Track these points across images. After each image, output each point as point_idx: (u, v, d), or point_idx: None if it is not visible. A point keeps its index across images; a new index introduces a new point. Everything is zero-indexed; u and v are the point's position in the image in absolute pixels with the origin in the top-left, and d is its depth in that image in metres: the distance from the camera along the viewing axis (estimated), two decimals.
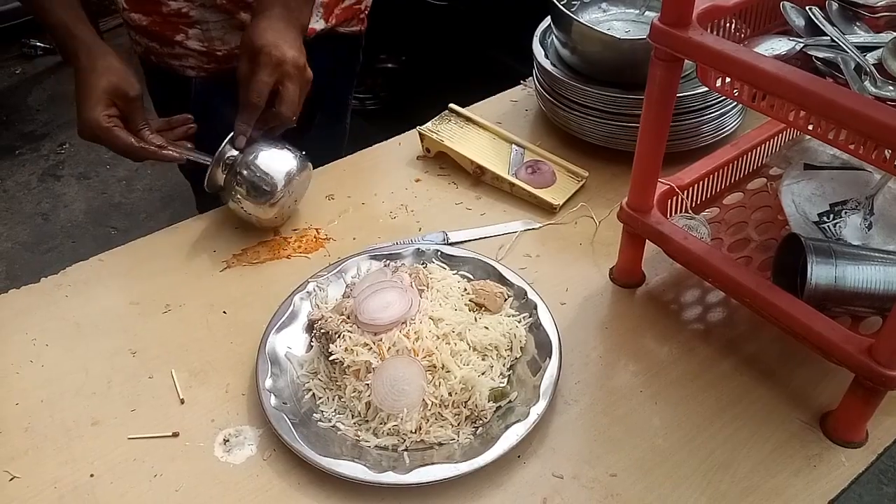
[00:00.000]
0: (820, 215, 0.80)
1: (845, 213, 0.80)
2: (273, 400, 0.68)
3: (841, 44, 0.65)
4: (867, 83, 0.61)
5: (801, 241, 0.69)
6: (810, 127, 0.58)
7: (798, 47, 0.66)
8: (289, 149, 0.87)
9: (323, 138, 1.15)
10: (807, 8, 0.69)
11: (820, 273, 0.66)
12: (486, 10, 1.05)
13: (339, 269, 0.82)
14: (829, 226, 0.79)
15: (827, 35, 0.67)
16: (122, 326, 0.80)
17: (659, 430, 0.69)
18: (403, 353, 0.69)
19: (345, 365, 0.69)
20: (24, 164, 2.70)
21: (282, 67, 0.82)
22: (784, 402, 0.70)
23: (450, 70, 1.61)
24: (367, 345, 0.70)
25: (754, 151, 0.87)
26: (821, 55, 0.65)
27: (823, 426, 0.68)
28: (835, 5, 0.70)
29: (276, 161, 0.85)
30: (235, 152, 0.84)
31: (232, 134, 0.84)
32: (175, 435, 0.69)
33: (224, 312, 0.81)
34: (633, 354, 0.76)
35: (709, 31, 0.64)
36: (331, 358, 0.70)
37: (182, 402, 0.72)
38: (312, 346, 0.74)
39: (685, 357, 0.75)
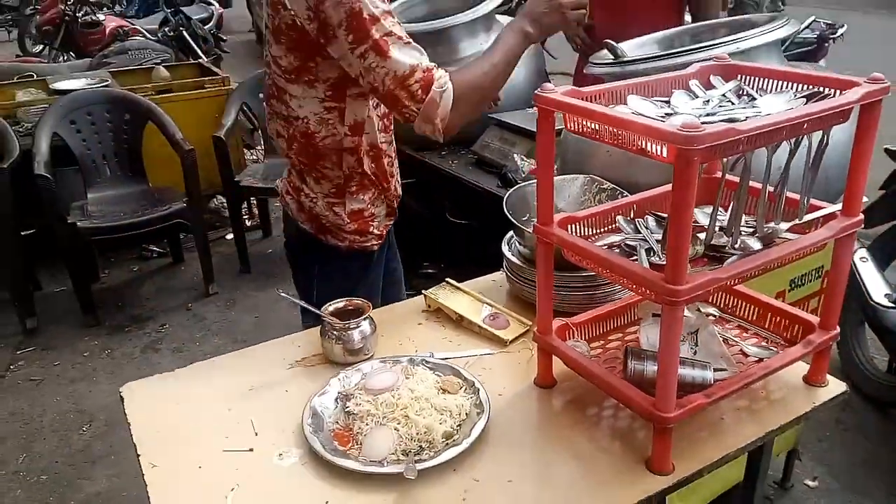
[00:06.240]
0: None
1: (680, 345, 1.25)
2: (309, 430, 1.14)
3: (648, 240, 1.17)
4: (652, 257, 1.11)
5: (626, 350, 1.15)
6: (623, 283, 1.07)
7: (624, 239, 1.18)
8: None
9: None
10: (636, 220, 1.22)
11: (634, 366, 1.12)
12: (476, 227, 1.66)
13: (357, 367, 1.30)
14: None
15: (640, 233, 1.19)
16: (242, 403, 1.28)
17: (547, 452, 1.10)
18: (389, 408, 1.15)
19: (355, 413, 1.16)
20: (131, 339, 3.33)
21: None
22: (631, 450, 1.12)
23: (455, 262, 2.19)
24: (369, 401, 1.17)
25: (630, 308, 1.35)
26: (632, 243, 1.16)
27: (648, 465, 1.09)
28: (651, 219, 1.23)
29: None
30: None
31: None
32: (250, 450, 1.15)
33: (286, 391, 1.30)
34: (535, 421, 1.19)
35: (568, 230, 1.17)
36: (347, 408, 1.17)
37: (256, 434, 1.19)
38: (337, 405, 1.21)
39: (565, 412, 1.18)
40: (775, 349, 1.25)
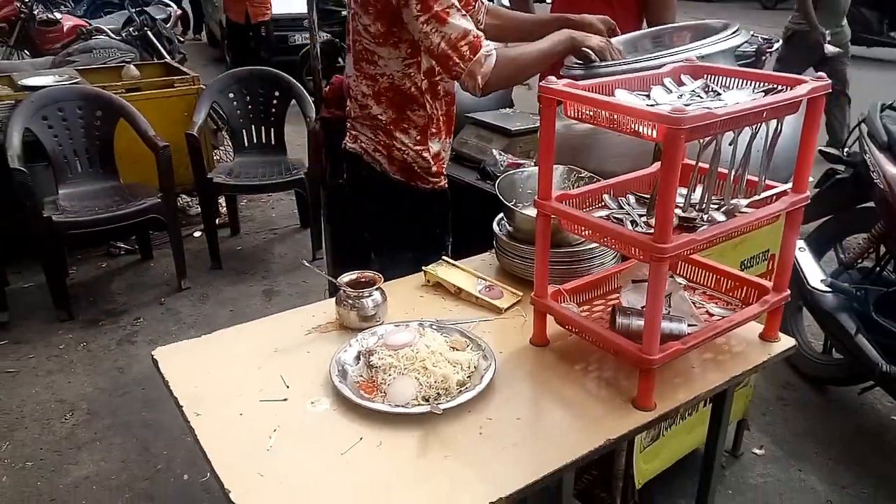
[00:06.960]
0: (642, 308, 1.44)
1: None
2: (337, 381, 1.28)
3: (630, 214, 1.35)
4: (636, 228, 1.30)
5: (614, 308, 1.33)
6: (614, 246, 1.25)
7: (610, 213, 1.36)
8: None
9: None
10: (618, 198, 1.41)
11: (622, 321, 1.30)
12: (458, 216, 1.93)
13: (372, 331, 1.45)
14: None
15: (623, 209, 1.38)
16: (270, 362, 1.41)
17: (546, 396, 1.27)
18: (409, 360, 1.30)
19: (378, 366, 1.31)
20: (106, 333, 3.37)
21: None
22: (618, 394, 1.30)
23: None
24: (391, 355, 1.31)
25: (612, 276, 1.54)
26: (619, 216, 1.35)
27: (634, 403, 1.27)
28: (632, 197, 1.42)
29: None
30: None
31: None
32: (285, 399, 1.28)
33: (308, 352, 1.43)
34: (534, 373, 1.36)
35: (564, 204, 1.35)
36: (370, 362, 1.32)
37: (287, 387, 1.32)
38: (360, 360, 1.36)
39: (559, 365, 1.35)
40: (736, 310, 1.45)
